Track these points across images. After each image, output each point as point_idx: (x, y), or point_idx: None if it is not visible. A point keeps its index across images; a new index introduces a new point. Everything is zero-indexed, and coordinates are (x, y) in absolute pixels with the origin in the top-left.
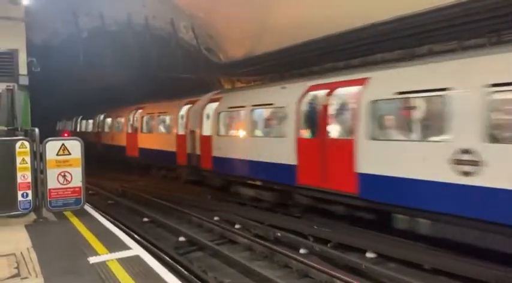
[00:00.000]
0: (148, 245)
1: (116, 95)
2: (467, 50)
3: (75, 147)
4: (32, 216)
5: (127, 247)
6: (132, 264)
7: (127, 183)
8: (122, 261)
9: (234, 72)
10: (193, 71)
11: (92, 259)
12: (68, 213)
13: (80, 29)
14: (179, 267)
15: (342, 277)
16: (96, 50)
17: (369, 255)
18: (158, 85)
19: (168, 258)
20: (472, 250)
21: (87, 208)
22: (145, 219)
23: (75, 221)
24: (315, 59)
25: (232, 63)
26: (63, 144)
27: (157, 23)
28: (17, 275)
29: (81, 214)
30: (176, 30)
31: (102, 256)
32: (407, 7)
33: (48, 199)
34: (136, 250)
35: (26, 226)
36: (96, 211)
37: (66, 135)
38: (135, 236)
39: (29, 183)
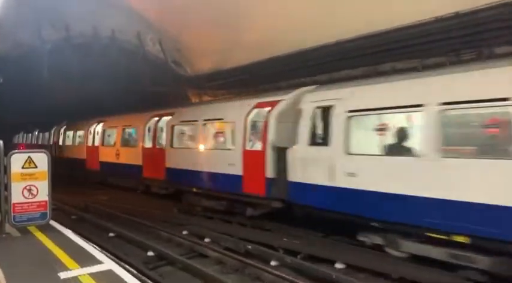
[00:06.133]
0: (117, 260)
1: (85, 107)
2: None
3: (41, 160)
4: None
5: (98, 262)
6: (106, 279)
7: (90, 198)
8: (95, 276)
9: (201, 85)
10: (160, 84)
11: (63, 275)
12: (32, 228)
13: (43, 41)
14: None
15: None
16: (61, 62)
17: (338, 265)
18: (128, 98)
19: (139, 274)
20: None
21: (52, 223)
22: (112, 234)
23: (41, 236)
24: (282, 75)
25: (199, 76)
26: (29, 157)
27: (124, 36)
28: None
29: (47, 229)
30: (143, 43)
31: (73, 271)
32: (369, 26)
33: (12, 214)
34: (108, 264)
35: None
36: (62, 226)
37: (21, 148)
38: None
39: None
